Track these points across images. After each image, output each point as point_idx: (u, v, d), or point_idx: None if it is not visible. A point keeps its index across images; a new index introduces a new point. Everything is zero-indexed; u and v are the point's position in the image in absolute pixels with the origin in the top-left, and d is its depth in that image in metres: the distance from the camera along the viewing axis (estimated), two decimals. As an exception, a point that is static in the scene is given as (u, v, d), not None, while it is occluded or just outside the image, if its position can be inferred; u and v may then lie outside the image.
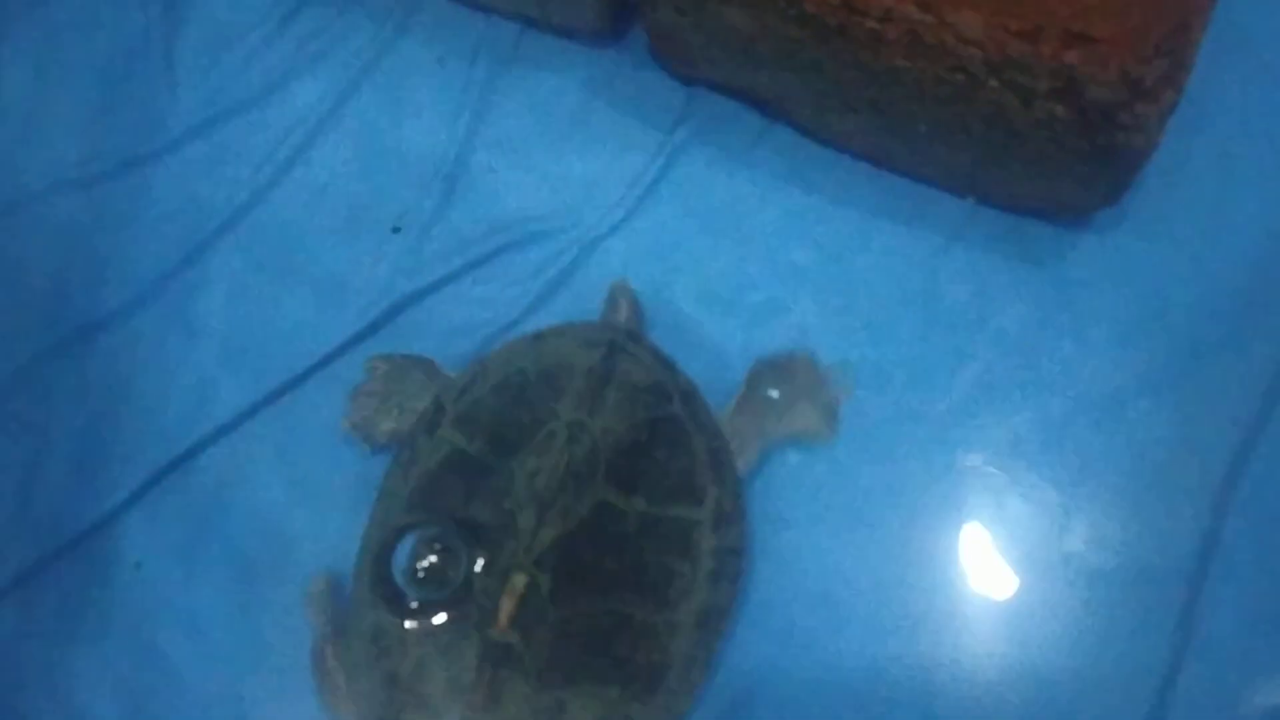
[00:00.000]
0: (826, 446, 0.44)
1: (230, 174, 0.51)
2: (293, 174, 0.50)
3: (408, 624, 0.39)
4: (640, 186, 0.51)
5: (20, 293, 0.52)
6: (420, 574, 0.39)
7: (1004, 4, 0.38)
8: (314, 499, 0.45)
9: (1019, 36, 0.38)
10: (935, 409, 0.45)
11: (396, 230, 0.48)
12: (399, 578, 0.39)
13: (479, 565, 0.39)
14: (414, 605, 0.39)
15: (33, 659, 0.48)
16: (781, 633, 0.43)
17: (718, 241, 0.50)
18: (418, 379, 0.44)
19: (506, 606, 0.38)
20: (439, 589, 0.39)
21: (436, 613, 0.39)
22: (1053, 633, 0.43)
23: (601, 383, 0.43)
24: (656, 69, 0.52)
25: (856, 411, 0.46)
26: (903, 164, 0.46)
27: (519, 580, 0.39)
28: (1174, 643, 0.43)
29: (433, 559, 0.39)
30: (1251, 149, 0.49)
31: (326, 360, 0.47)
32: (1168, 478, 0.45)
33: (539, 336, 0.43)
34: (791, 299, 0.48)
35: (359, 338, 0.47)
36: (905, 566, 0.44)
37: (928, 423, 0.46)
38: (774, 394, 0.45)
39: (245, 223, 0.51)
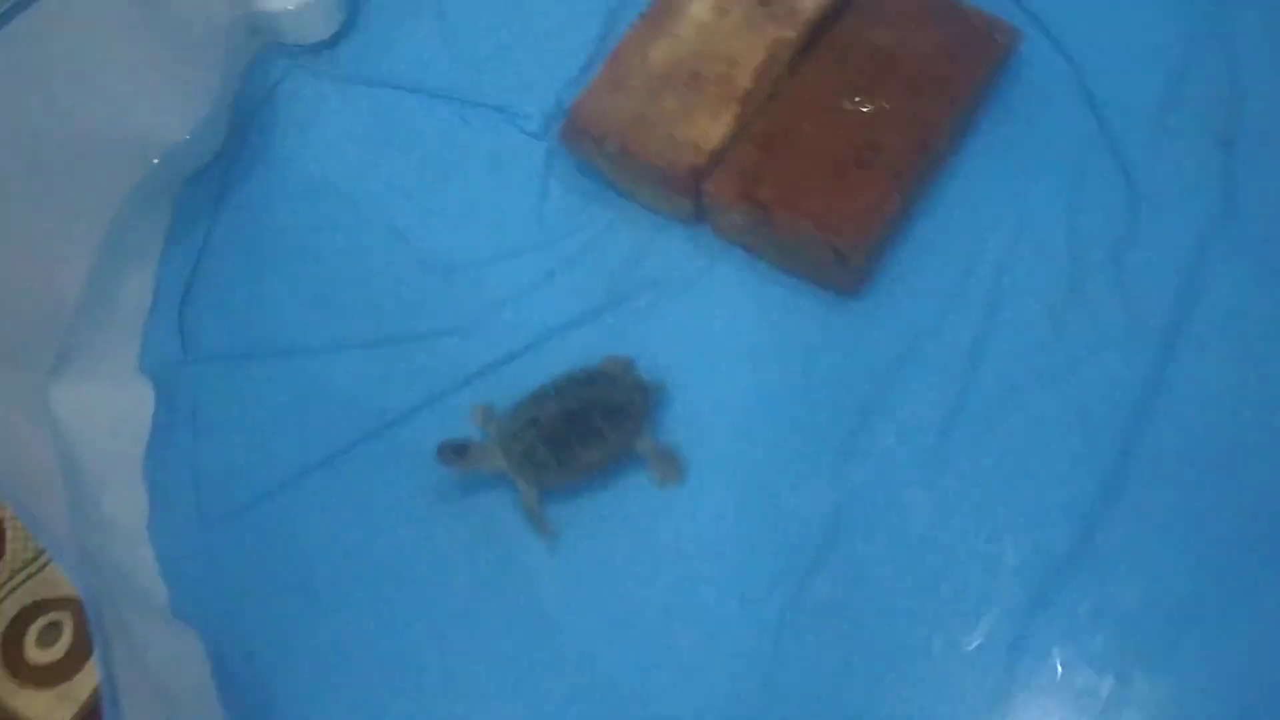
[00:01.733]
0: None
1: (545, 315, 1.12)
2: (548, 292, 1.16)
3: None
4: (696, 274, 1.10)
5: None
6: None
7: (815, 222, 1.04)
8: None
9: (819, 230, 1.07)
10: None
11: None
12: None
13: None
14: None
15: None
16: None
17: (713, 306, 1.10)
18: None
19: (549, 411, 0.98)
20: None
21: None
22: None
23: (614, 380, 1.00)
24: (713, 234, 1.11)
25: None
26: (791, 269, 1.10)
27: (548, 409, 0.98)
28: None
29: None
30: (930, 267, 1.08)
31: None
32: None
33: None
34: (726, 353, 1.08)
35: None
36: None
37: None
38: (651, 454, 1.00)
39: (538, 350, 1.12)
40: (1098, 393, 0.99)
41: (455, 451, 0.98)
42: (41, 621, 1.06)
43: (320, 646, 0.95)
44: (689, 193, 1.11)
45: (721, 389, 1.05)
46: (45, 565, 1.10)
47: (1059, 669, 0.88)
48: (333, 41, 1.30)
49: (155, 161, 1.16)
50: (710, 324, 1.09)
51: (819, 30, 1.19)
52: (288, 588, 0.98)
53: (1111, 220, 1.07)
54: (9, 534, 1.11)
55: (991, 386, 1.02)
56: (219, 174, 1.23)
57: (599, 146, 1.13)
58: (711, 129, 1.12)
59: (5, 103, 0.98)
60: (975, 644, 0.90)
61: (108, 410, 1.04)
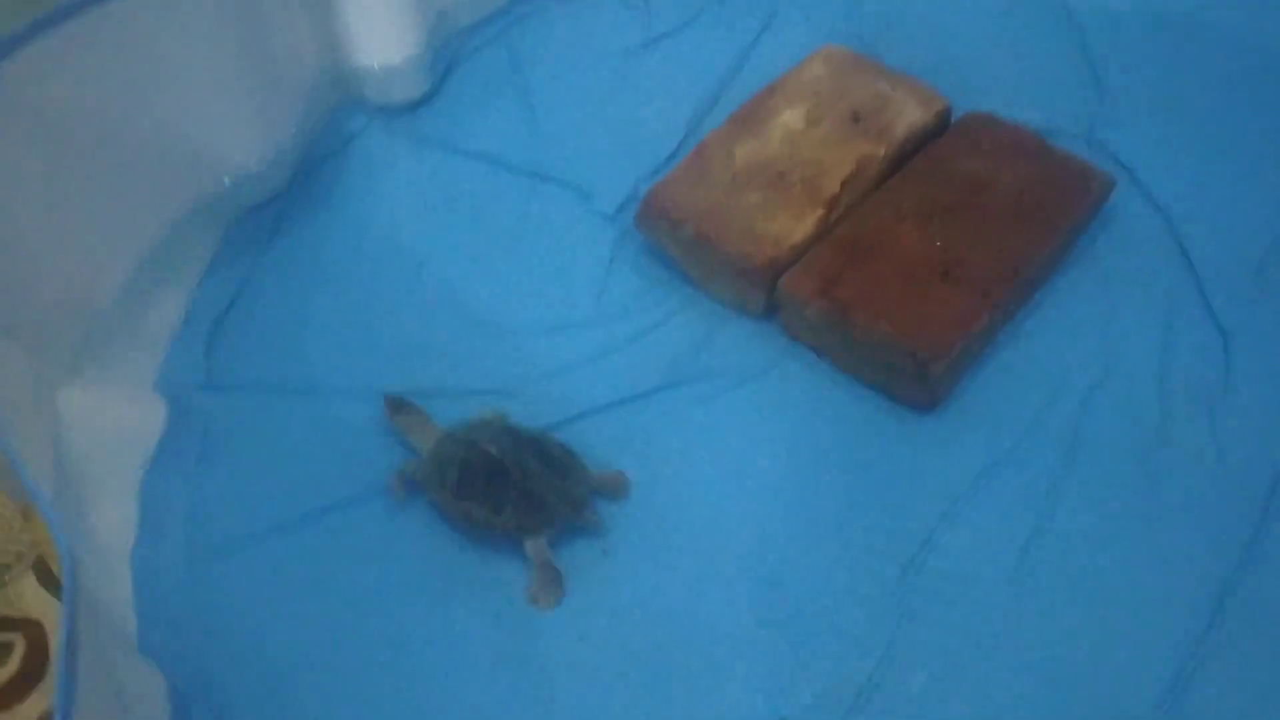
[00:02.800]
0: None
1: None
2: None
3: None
4: (760, 370, 1.08)
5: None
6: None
7: (895, 326, 1.06)
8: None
9: (899, 337, 1.07)
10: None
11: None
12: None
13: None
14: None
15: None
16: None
17: (775, 404, 1.06)
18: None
19: (488, 448, 0.94)
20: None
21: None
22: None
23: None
24: (782, 332, 1.10)
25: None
26: (862, 376, 1.09)
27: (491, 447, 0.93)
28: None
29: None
30: (1011, 395, 1.05)
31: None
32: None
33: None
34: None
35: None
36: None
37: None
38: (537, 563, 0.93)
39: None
40: (1189, 544, 0.91)
41: (396, 406, 1.02)
42: (-9, 641, 0.95)
43: (295, 707, 0.83)
44: (764, 285, 1.10)
45: (776, 491, 1.01)
46: (6, 585, 1.00)
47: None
48: (413, 106, 1.32)
49: (227, 182, 1.12)
50: (772, 421, 1.05)
51: (909, 150, 1.18)
52: (267, 638, 0.88)
53: (1205, 371, 1.03)
54: (-27, 550, 1.01)
55: (1070, 527, 0.96)
56: (275, 213, 1.20)
57: (675, 231, 1.13)
58: (794, 227, 1.12)
59: (84, 83, 0.95)
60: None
61: (115, 423, 0.97)
